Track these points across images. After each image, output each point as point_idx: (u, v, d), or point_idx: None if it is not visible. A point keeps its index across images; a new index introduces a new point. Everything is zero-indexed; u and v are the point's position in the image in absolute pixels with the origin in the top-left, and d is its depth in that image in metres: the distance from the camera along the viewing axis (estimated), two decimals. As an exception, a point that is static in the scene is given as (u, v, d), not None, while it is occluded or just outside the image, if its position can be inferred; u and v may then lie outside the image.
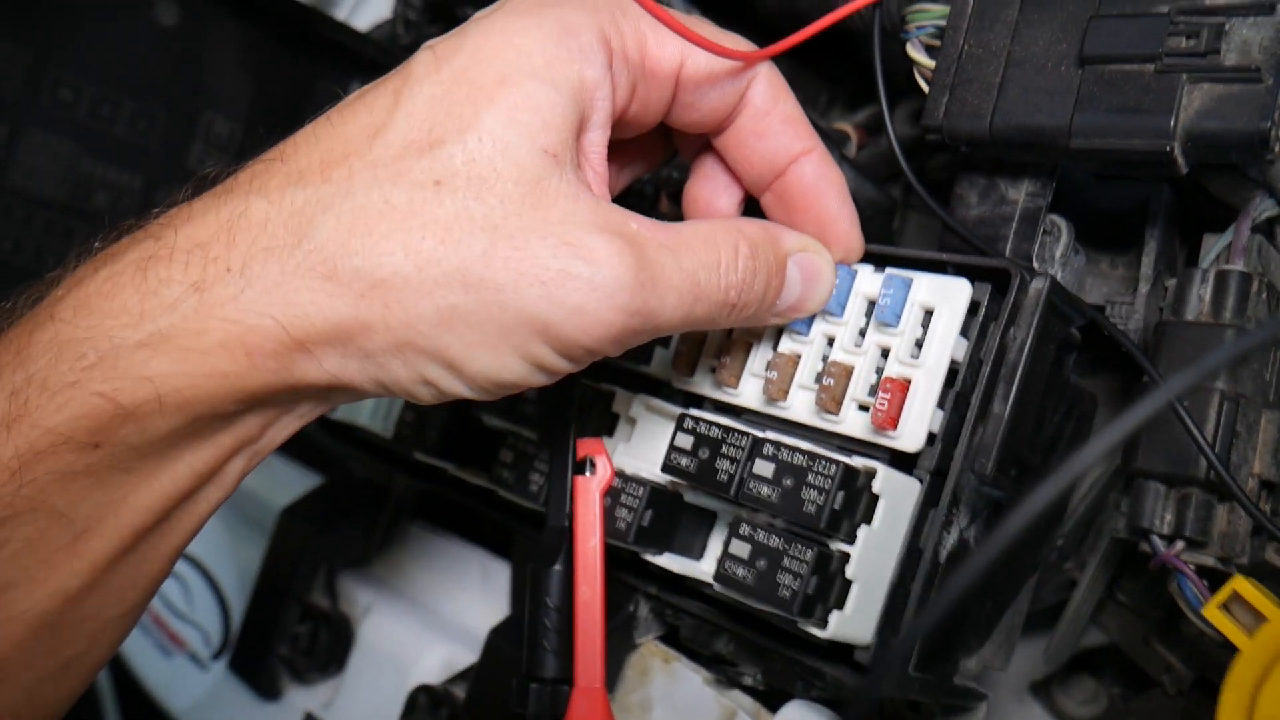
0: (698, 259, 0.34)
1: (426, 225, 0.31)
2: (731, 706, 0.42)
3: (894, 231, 0.55)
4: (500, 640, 0.45)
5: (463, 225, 0.31)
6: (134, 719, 0.66)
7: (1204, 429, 0.36)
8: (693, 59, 0.36)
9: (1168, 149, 0.35)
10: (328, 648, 0.53)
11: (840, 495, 0.35)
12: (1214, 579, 0.37)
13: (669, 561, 0.41)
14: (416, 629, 0.52)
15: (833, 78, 0.69)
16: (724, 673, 0.43)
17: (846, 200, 0.39)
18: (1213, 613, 0.34)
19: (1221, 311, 0.37)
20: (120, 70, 0.57)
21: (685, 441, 0.39)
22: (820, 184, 0.39)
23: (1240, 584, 0.34)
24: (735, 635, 0.42)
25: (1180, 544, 0.37)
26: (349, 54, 0.63)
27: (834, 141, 0.50)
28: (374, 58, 0.64)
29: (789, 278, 0.37)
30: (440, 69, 0.33)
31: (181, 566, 0.63)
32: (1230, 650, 0.34)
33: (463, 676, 0.48)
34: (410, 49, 0.64)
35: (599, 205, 0.32)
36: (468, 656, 0.49)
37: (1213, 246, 0.39)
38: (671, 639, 0.45)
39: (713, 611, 0.42)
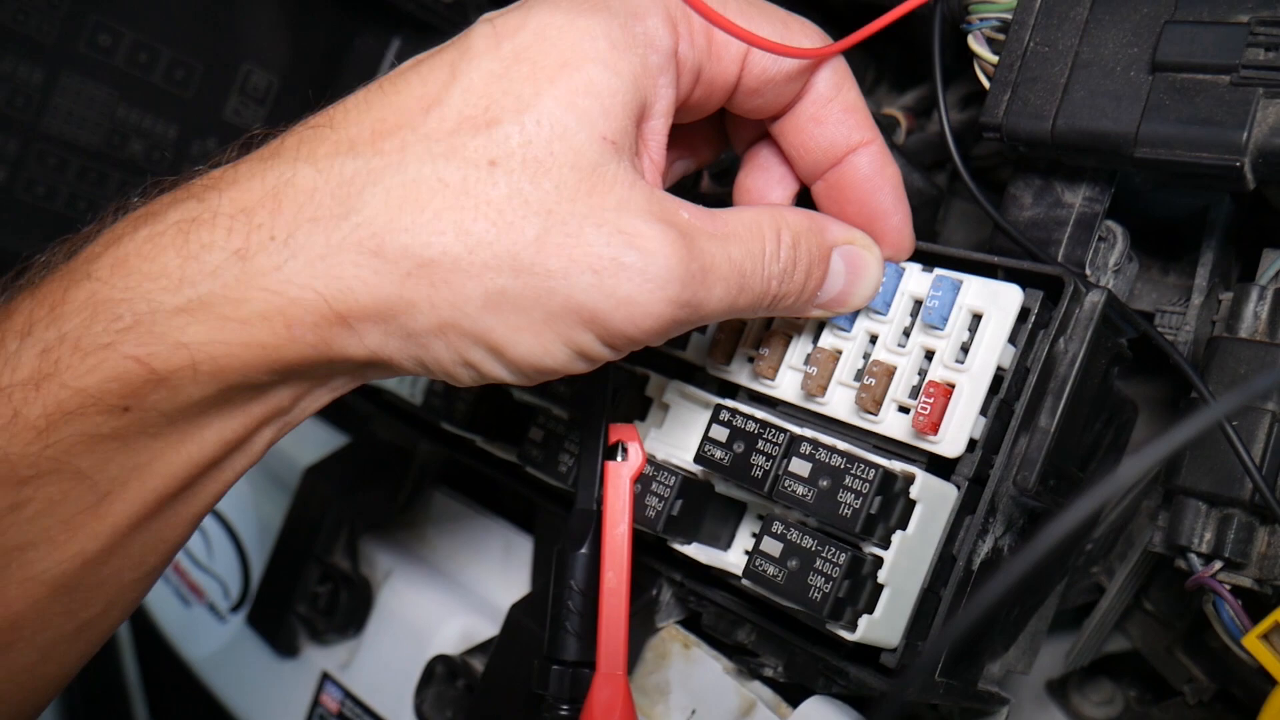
0: (744, 249, 0.33)
1: (480, 206, 0.30)
2: (751, 697, 0.42)
3: (938, 220, 0.54)
4: (521, 616, 0.45)
5: (516, 208, 0.30)
6: (151, 665, 0.67)
7: (1252, 450, 0.36)
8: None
9: (1237, 164, 0.34)
10: (347, 609, 0.53)
11: (877, 500, 0.35)
12: (1249, 600, 0.37)
13: (696, 551, 0.41)
14: (436, 597, 0.52)
15: (880, 56, 0.68)
16: (745, 662, 0.42)
17: (901, 197, 0.38)
18: (1253, 643, 0.33)
19: (1278, 331, 0.37)
20: (160, 18, 0.56)
21: (720, 433, 0.39)
22: (876, 178, 0.38)
23: (1283, 614, 0.33)
24: (758, 626, 0.41)
25: (1218, 564, 0.37)
26: (390, 10, 0.62)
27: (884, 129, 0.49)
28: (415, 14, 0.62)
29: (832, 269, 0.36)
30: (500, 45, 0.32)
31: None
32: (1267, 679, 0.33)
33: (481, 649, 0.48)
34: (452, 9, 0.63)
35: (653, 194, 0.32)
36: (486, 629, 0.49)
37: (1273, 263, 0.38)
38: (692, 624, 0.45)
39: (737, 602, 0.42)
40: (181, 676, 0.62)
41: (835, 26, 0.64)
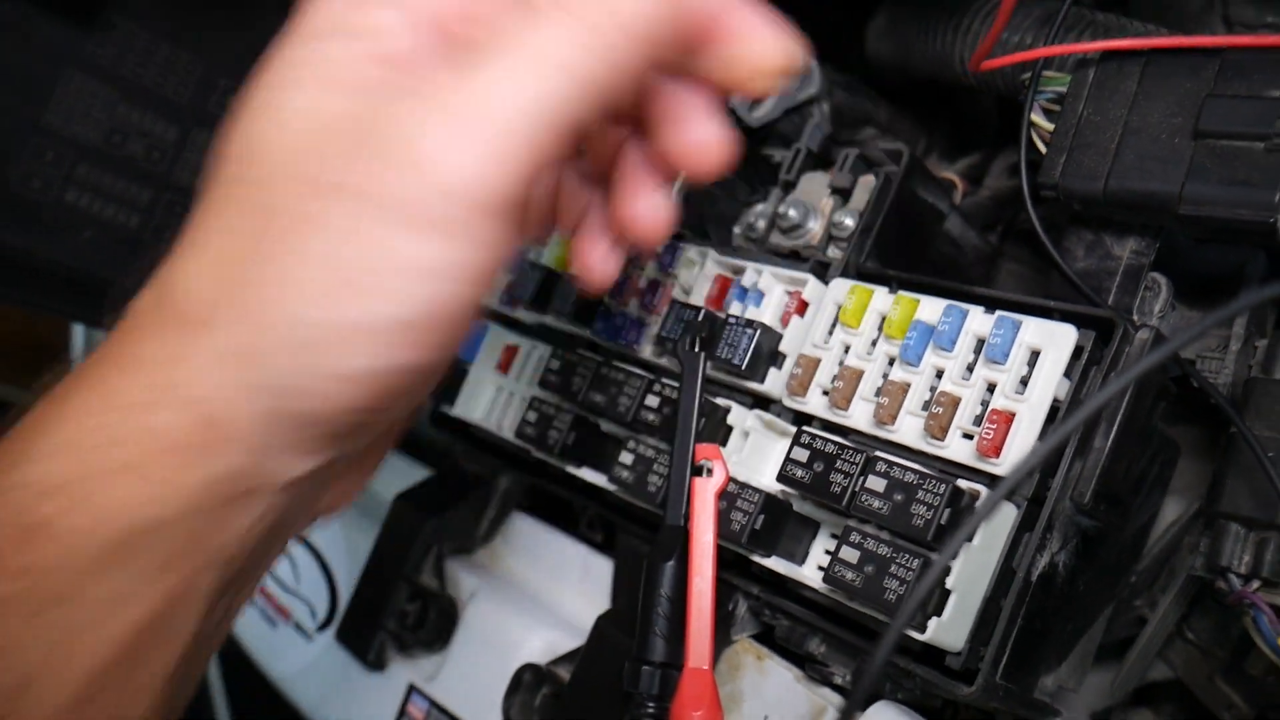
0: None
1: None
2: (821, 703, 0.45)
3: (991, 279, 0.59)
4: (607, 626, 0.49)
5: None
6: (236, 682, 0.71)
7: (1287, 479, 0.39)
8: None
9: (1271, 221, 0.38)
10: (434, 625, 0.57)
11: (947, 512, 0.39)
12: (1287, 617, 0.40)
13: (775, 564, 0.45)
14: (520, 613, 0.56)
15: (930, 129, 0.73)
16: (816, 671, 0.46)
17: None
18: (1290, 646, 0.37)
19: (1309, 372, 0.41)
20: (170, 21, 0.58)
21: (801, 455, 0.43)
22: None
23: (1316, 622, 0.37)
24: (829, 636, 0.45)
25: (1256, 583, 0.40)
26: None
27: (943, 190, 0.54)
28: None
29: None
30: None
31: (292, 546, 0.68)
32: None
33: (566, 659, 0.52)
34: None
35: None
36: (569, 642, 0.53)
37: (1305, 311, 0.42)
38: (765, 638, 0.49)
39: (810, 613, 0.45)
40: (266, 693, 0.66)
41: (894, 101, 0.69)
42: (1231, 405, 0.42)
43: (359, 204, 0.28)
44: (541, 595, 0.57)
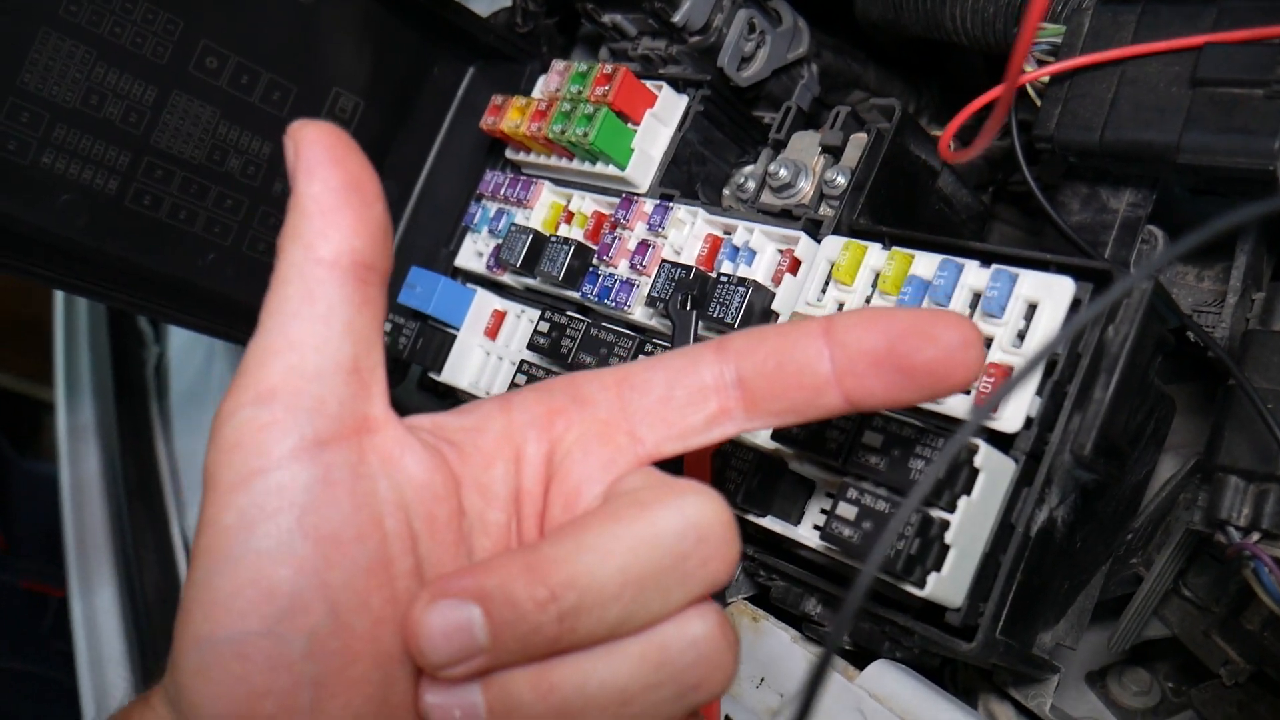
0: None
1: None
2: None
3: (984, 239, 0.58)
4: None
5: None
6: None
7: (1286, 430, 0.39)
8: None
9: (1270, 169, 0.38)
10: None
11: (946, 467, 0.38)
12: (1284, 570, 0.40)
13: (770, 523, 0.44)
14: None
15: (920, 89, 0.73)
16: (813, 631, 0.46)
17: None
18: (1293, 595, 0.36)
19: (1307, 323, 0.40)
20: (261, 44, 0.60)
21: (797, 412, 0.43)
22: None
23: (1317, 570, 0.37)
24: (826, 595, 0.45)
25: (1256, 535, 0.40)
26: (466, 39, 0.67)
27: (929, 142, 0.53)
28: (491, 44, 0.67)
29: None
30: None
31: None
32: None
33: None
34: (526, 39, 0.68)
35: None
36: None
37: (1303, 262, 0.42)
38: (760, 600, 0.48)
39: (805, 573, 0.45)
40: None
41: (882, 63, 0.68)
42: (1230, 357, 0.41)
43: None
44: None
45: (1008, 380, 0.34)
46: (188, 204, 0.61)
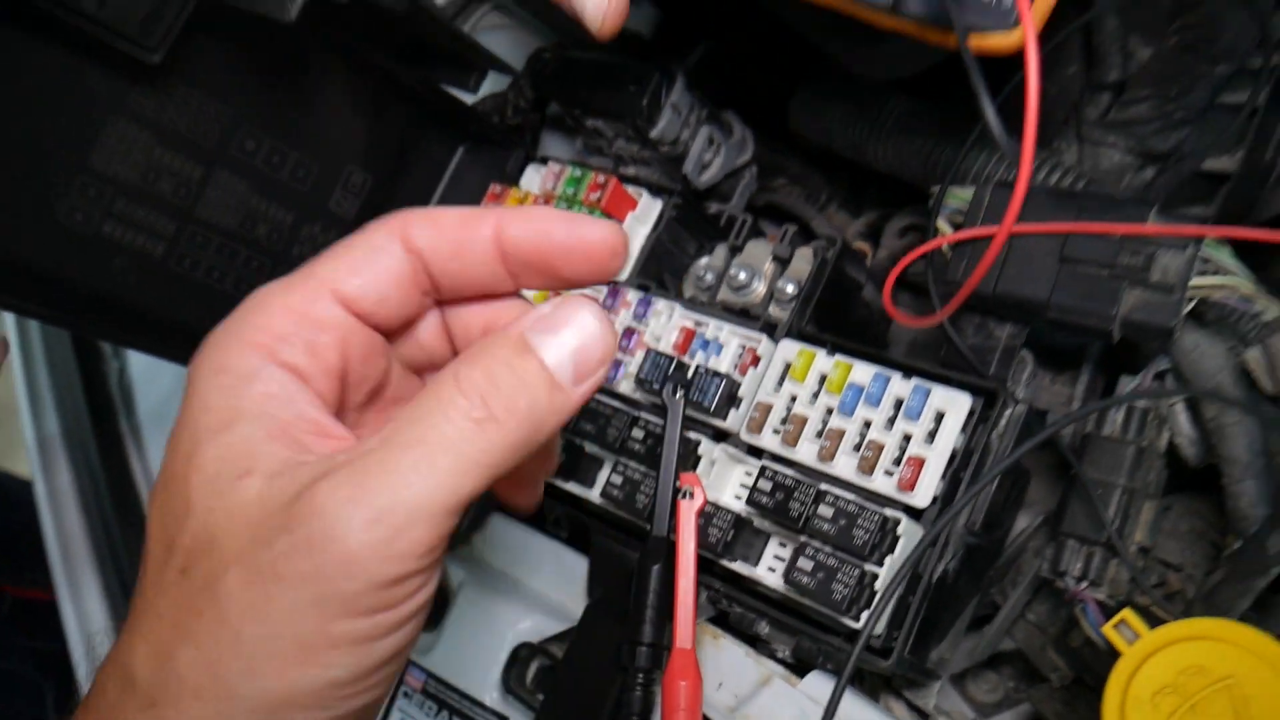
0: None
1: None
2: (768, 671, 0.58)
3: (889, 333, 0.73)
4: (596, 612, 0.61)
5: None
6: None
7: (1108, 509, 0.55)
8: None
9: (1110, 329, 0.53)
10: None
11: (878, 534, 0.53)
12: (1104, 608, 0.56)
13: (740, 566, 0.58)
14: (506, 600, 0.66)
15: (832, 180, 0.86)
16: (763, 648, 0.59)
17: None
18: (1109, 631, 0.52)
19: (1128, 432, 0.56)
20: (289, 129, 0.70)
21: (765, 485, 0.56)
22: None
23: (1127, 614, 0.52)
24: (775, 621, 0.58)
25: (1085, 583, 0.56)
26: (458, 121, 0.78)
27: (861, 263, 0.68)
28: (478, 131, 0.78)
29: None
30: None
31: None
32: (1114, 655, 0.52)
33: (556, 639, 0.63)
34: (511, 131, 0.79)
35: None
36: (553, 625, 0.65)
37: (1128, 384, 0.58)
38: (720, 620, 0.62)
39: (758, 603, 0.59)
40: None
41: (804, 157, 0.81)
42: (1072, 455, 0.57)
43: (298, 592, 0.31)
44: (524, 584, 0.68)
45: (969, 492, 0.48)
46: (220, 265, 0.70)
